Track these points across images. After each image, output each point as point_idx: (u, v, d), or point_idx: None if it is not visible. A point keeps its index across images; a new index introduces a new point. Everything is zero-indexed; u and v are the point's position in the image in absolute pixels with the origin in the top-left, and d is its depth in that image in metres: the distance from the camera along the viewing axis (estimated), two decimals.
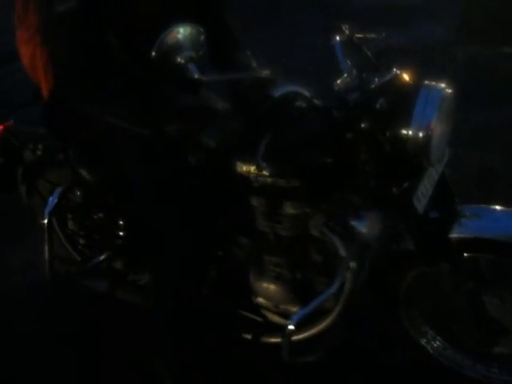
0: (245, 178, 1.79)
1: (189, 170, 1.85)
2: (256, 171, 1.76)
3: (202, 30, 1.58)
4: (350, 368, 2.18)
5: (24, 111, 2.40)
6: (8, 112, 2.42)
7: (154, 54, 1.52)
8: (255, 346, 2.03)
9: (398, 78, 1.68)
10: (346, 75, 1.68)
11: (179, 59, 1.53)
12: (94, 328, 2.49)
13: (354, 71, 1.68)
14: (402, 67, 1.70)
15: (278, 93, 1.69)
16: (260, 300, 2.01)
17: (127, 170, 1.90)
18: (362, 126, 1.64)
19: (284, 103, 1.75)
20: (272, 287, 1.95)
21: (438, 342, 2.08)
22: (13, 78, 4.33)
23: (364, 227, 1.71)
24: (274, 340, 1.97)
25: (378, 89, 1.66)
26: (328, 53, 1.74)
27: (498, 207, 1.81)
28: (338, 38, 1.77)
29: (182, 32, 1.52)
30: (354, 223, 1.72)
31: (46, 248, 2.29)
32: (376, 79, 1.67)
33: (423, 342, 2.07)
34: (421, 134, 1.56)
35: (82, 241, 2.46)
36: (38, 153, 2.31)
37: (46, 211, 2.26)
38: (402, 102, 1.62)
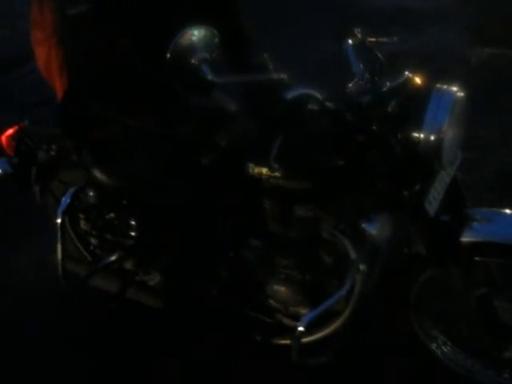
0: (257, 179, 1.80)
1: (201, 170, 1.86)
2: (268, 173, 1.77)
3: (215, 32, 1.59)
4: (358, 370, 2.17)
5: (38, 112, 2.42)
6: (22, 113, 2.44)
7: (168, 55, 1.53)
8: (265, 347, 2.04)
9: (409, 81, 1.69)
10: (358, 78, 1.68)
11: (193, 61, 1.54)
12: (105, 328, 2.49)
13: (366, 74, 1.69)
14: (414, 70, 1.70)
15: (290, 95, 1.70)
16: (270, 301, 2.02)
17: (140, 169, 1.91)
18: (374, 128, 1.65)
19: (296, 105, 1.75)
20: (282, 289, 1.96)
21: (448, 347, 2.07)
22: (27, 80, 4.37)
23: (375, 230, 1.71)
24: (283, 342, 1.98)
25: (390, 92, 1.67)
26: (338, 55, 1.74)
27: (508, 211, 1.80)
28: (350, 41, 1.78)
29: (196, 34, 1.54)
30: (364, 226, 1.72)
31: (59, 248, 2.31)
32: (388, 82, 1.68)
33: (433, 346, 2.06)
34: (432, 138, 1.57)
35: (93, 241, 2.47)
36: (52, 153, 2.33)
37: (59, 211, 2.28)
38: (414, 106, 1.62)
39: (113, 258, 2.31)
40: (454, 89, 1.62)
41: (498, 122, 3.68)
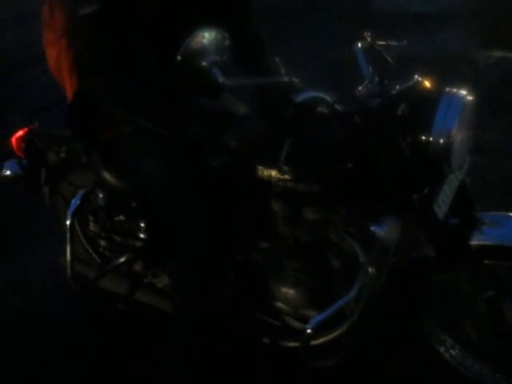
0: (266, 182, 1.80)
1: (211, 172, 1.87)
2: (277, 175, 1.77)
3: (226, 34, 1.60)
4: (366, 374, 2.17)
5: (48, 114, 2.43)
6: (32, 115, 2.45)
7: (179, 57, 1.54)
8: (274, 349, 2.04)
9: (419, 84, 1.70)
10: (367, 81, 1.69)
11: (204, 63, 1.55)
12: (115, 330, 2.51)
13: (376, 78, 1.69)
14: (423, 74, 1.71)
15: (300, 98, 1.70)
16: (279, 304, 2.02)
17: (149, 171, 1.92)
18: (383, 131, 1.66)
19: (306, 108, 1.76)
20: (291, 291, 1.96)
21: (456, 351, 2.07)
22: (37, 81, 4.40)
23: (383, 233, 1.72)
24: (292, 344, 1.98)
25: (400, 95, 1.68)
26: (346, 58, 1.75)
27: None
28: (359, 44, 1.79)
29: (206, 36, 1.55)
30: (373, 229, 1.72)
31: (68, 249, 2.32)
32: (397, 86, 1.69)
33: (441, 349, 2.06)
34: (442, 141, 1.57)
35: (102, 243, 2.48)
36: (62, 155, 2.34)
37: (69, 213, 2.29)
38: (424, 109, 1.63)
39: (122, 259, 2.32)
40: (464, 92, 1.63)
41: (506, 126, 3.67)
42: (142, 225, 2.21)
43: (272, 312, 2.04)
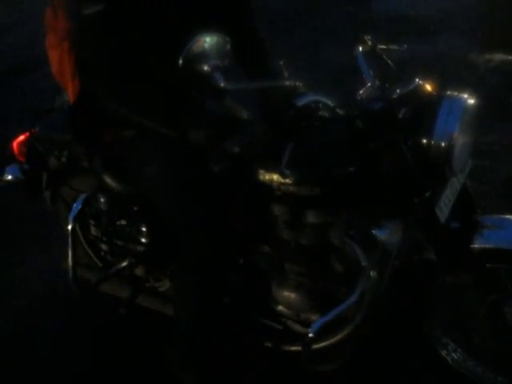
0: (268, 185, 1.80)
1: (213, 176, 1.87)
2: (279, 179, 1.77)
3: (227, 38, 1.60)
4: (368, 376, 2.17)
5: (49, 118, 2.43)
6: (34, 119, 2.45)
7: (180, 62, 1.54)
8: (275, 353, 2.04)
9: (420, 88, 1.70)
10: (368, 85, 1.70)
11: (205, 67, 1.55)
12: (116, 334, 2.51)
13: (377, 81, 1.70)
14: (424, 77, 1.71)
15: (301, 101, 1.71)
16: (280, 308, 2.02)
17: (151, 175, 1.92)
18: (385, 135, 1.66)
19: (307, 112, 1.76)
20: (293, 295, 1.96)
21: (458, 354, 2.06)
22: (38, 86, 4.40)
23: (385, 236, 1.72)
24: (294, 348, 1.98)
25: (401, 99, 1.68)
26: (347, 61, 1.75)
27: None
28: (360, 48, 1.79)
29: (208, 41, 1.54)
30: (375, 232, 1.72)
31: (69, 254, 2.32)
32: (398, 89, 1.69)
33: (444, 353, 2.06)
34: (443, 144, 1.57)
35: (104, 247, 2.48)
36: (63, 159, 2.34)
37: (70, 217, 2.29)
38: (425, 113, 1.63)
39: (123, 264, 2.32)
40: (465, 96, 1.63)
41: (507, 129, 3.68)
42: (144, 229, 2.21)
43: (273, 316, 2.04)
